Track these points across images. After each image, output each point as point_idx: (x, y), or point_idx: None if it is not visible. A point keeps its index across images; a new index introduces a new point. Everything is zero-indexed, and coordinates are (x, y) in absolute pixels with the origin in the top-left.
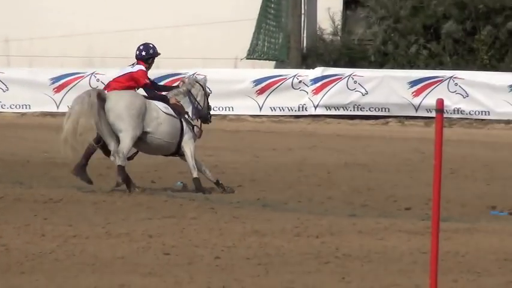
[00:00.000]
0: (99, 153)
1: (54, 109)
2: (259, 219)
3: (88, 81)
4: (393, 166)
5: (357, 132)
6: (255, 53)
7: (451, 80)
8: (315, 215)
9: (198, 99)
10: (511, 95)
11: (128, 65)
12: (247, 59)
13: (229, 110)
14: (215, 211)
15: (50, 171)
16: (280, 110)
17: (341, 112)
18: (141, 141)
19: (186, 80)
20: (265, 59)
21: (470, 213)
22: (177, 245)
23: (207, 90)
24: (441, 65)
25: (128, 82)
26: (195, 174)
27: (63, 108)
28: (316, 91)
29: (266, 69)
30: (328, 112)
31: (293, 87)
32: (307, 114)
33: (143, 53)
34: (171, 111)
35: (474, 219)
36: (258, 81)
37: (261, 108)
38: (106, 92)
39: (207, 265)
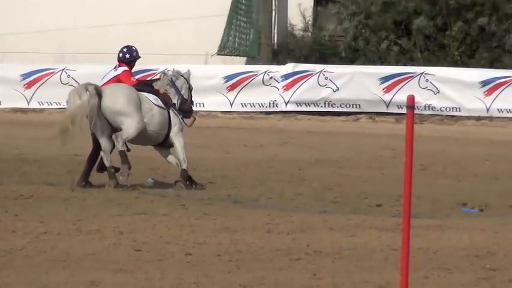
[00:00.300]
0: (69, 151)
1: (24, 105)
2: (230, 215)
3: (59, 77)
4: (364, 163)
5: (327, 129)
6: (225, 49)
7: (422, 76)
8: (285, 212)
9: (182, 92)
10: (481, 91)
11: (110, 70)
12: (218, 55)
13: (200, 106)
14: (186, 208)
15: (21, 168)
16: (251, 106)
17: (312, 108)
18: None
19: (170, 72)
20: (236, 55)
21: (441, 210)
22: (148, 242)
23: (191, 84)
24: (412, 61)
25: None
26: (184, 166)
27: (34, 105)
28: (287, 87)
29: (237, 65)
30: (299, 108)
31: (264, 84)
32: (278, 110)
33: (127, 56)
34: (160, 103)
35: (445, 216)
36: (228, 78)
37: (231, 105)
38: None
39: (178, 261)
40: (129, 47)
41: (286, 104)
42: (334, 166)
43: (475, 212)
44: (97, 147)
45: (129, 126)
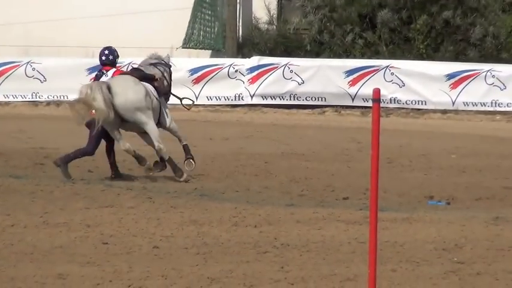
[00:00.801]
0: (35, 143)
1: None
2: (197, 208)
3: (24, 70)
4: (330, 156)
5: (293, 122)
6: (190, 42)
7: (388, 70)
8: (252, 205)
9: (164, 75)
10: (447, 85)
11: (98, 75)
12: (182, 48)
13: None
14: (153, 201)
15: None
16: (217, 100)
17: (277, 101)
18: (130, 122)
19: (153, 56)
20: (201, 48)
21: (408, 203)
22: (115, 235)
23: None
24: (377, 55)
25: None
26: (186, 142)
27: None
28: (253, 80)
29: (202, 58)
30: (265, 101)
31: (229, 77)
32: (243, 103)
33: (110, 57)
34: (156, 94)
35: (412, 209)
36: (194, 71)
37: (197, 98)
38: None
39: (146, 254)
40: (109, 48)
41: (251, 97)
42: (300, 159)
43: (442, 205)
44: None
45: (150, 127)
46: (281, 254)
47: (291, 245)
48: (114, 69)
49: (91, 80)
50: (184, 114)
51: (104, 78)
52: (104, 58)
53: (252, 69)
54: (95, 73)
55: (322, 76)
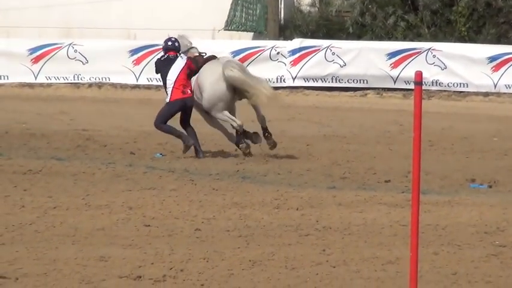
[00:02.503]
0: (76, 126)
1: (32, 80)
2: (239, 191)
3: (66, 52)
4: (372, 138)
5: (335, 104)
6: (232, 25)
7: (429, 52)
8: (294, 188)
9: None
10: (489, 67)
11: (176, 61)
12: (224, 30)
13: None
14: (194, 183)
15: (29, 142)
16: None
17: (319, 84)
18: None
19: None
20: (243, 31)
21: (449, 186)
22: (157, 217)
23: None
24: (419, 37)
25: (186, 74)
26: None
27: (41, 79)
28: (294, 63)
29: (244, 40)
30: (307, 84)
31: (271, 59)
32: (285, 85)
33: (176, 44)
34: None
35: (454, 192)
36: (236, 53)
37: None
38: None
39: (188, 237)
40: (175, 38)
41: (293, 79)
42: (342, 142)
43: (483, 188)
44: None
45: None
46: (323, 236)
47: (333, 228)
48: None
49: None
50: None
51: (179, 62)
52: (170, 44)
53: (293, 52)
54: (164, 56)
55: (364, 58)
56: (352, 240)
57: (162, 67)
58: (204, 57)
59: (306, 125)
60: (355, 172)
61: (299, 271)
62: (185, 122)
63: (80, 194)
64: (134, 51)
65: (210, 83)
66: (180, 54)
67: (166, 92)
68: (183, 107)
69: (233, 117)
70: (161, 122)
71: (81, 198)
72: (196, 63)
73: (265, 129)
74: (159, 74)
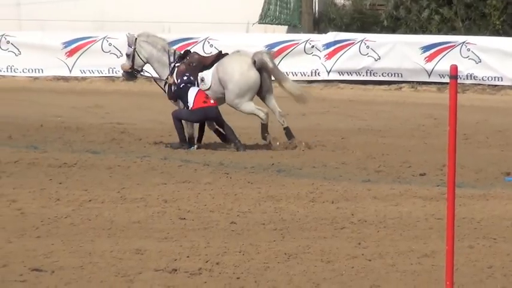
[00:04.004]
0: (111, 119)
1: (66, 73)
2: (274, 184)
3: (100, 46)
4: (407, 132)
5: (370, 98)
6: (266, 18)
7: (464, 46)
8: (329, 181)
9: None
10: None
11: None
12: (259, 23)
13: None
14: (230, 176)
15: (64, 136)
16: (293, 75)
17: (354, 77)
18: None
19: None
20: (277, 24)
21: (484, 179)
22: (193, 210)
23: None
24: (453, 30)
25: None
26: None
27: (76, 73)
28: (329, 56)
29: (278, 34)
30: (341, 77)
31: (305, 52)
32: (320, 79)
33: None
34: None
35: (489, 185)
36: (270, 46)
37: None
38: None
39: (223, 230)
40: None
41: (328, 72)
42: (376, 135)
43: None
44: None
45: None
46: (358, 230)
47: (368, 221)
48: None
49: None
50: None
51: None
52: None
53: (328, 45)
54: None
55: (399, 52)
56: (387, 234)
57: (182, 94)
58: (211, 54)
59: (341, 119)
60: (390, 165)
61: (334, 264)
62: (220, 126)
63: (115, 187)
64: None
65: (240, 73)
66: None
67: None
68: (203, 117)
69: (259, 108)
70: (177, 118)
71: (116, 191)
72: (205, 59)
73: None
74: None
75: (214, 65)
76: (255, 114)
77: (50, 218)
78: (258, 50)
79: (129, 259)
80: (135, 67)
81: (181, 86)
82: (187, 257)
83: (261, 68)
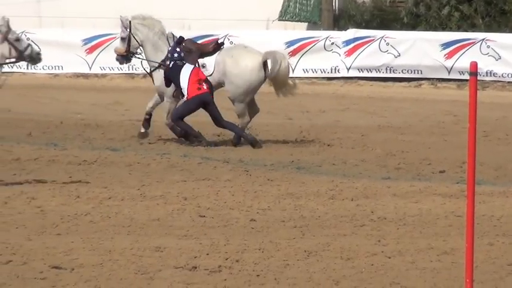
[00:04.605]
0: (130, 116)
1: (86, 70)
2: (294, 182)
3: None
4: (426, 129)
5: (389, 95)
6: (286, 15)
7: (484, 43)
8: (349, 178)
9: None
10: None
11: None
12: (279, 20)
13: None
14: (249, 174)
15: (84, 133)
16: (313, 72)
17: (374, 74)
18: None
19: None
20: (297, 21)
21: (504, 176)
22: (212, 208)
23: None
24: (473, 27)
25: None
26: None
27: (96, 70)
28: (349, 53)
29: (298, 30)
30: (361, 74)
31: (325, 49)
32: (339, 76)
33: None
34: None
35: (508, 182)
36: (290, 43)
37: (293, 70)
38: None
39: (243, 227)
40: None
41: (347, 69)
42: (396, 132)
43: None
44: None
45: None
46: (378, 227)
47: (388, 219)
48: None
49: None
50: None
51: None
52: (176, 55)
53: (348, 42)
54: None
55: (418, 49)
56: (407, 231)
57: (173, 76)
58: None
59: (361, 116)
60: (409, 163)
61: (354, 262)
62: (217, 120)
63: (135, 185)
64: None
65: (251, 69)
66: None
67: (183, 94)
68: (200, 104)
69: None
70: (178, 118)
71: (136, 188)
72: (205, 46)
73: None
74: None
75: (220, 54)
76: (243, 117)
77: (70, 215)
78: (276, 52)
79: (148, 256)
80: (131, 50)
81: (171, 65)
82: (207, 254)
83: (272, 69)
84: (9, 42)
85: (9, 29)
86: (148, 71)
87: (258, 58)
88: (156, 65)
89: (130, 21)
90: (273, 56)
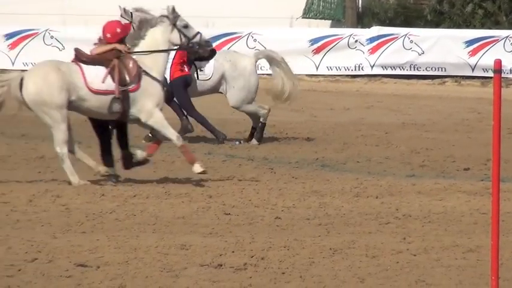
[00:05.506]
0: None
1: None
2: (318, 179)
3: None
4: (451, 126)
5: (413, 92)
6: (310, 13)
7: (507, 40)
8: (373, 176)
9: None
10: None
11: None
12: (302, 18)
13: None
14: (274, 171)
15: None
16: (337, 70)
17: (397, 72)
18: None
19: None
20: (321, 19)
21: None
22: (237, 205)
23: None
24: (497, 25)
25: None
26: None
27: None
28: (372, 51)
29: (322, 28)
30: (385, 72)
31: (349, 47)
32: (363, 73)
33: None
34: None
35: None
36: (314, 41)
37: (317, 68)
38: None
39: (268, 225)
40: None
41: (371, 67)
42: (420, 129)
43: None
44: None
45: None
46: (403, 224)
47: (413, 216)
48: None
49: None
50: (305, 84)
51: None
52: None
53: (371, 40)
54: None
55: (442, 46)
56: (432, 229)
57: None
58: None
59: (385, 113)
60: (434, 160)
61: (380, 259)
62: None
63: (159, 183)
64: (212, 40)
65: (250, 71)
66: None
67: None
68: (186, 85)
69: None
70: (192, 109)
71: (161, 186)
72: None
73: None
74: None
75: (216, 59)
76: (257, 112)
77: (95, 213)
78: (261, 50)
79: (174, 254)
80: None
81: None
82: (233, 252)
83: (271, 63)
84: (178, 29)
85: (177, 16)
86: None
87: (252, 59)
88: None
89: (131, 12)
90: (265, 54)
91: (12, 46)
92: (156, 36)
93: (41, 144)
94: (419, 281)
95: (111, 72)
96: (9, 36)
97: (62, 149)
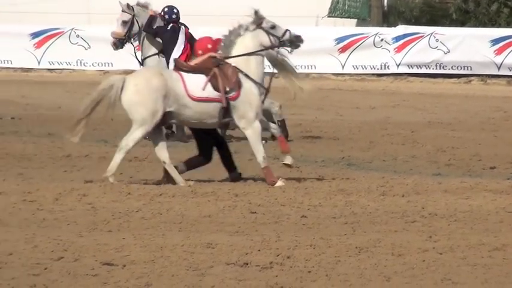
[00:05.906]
0: None
1: (136, 67)
2: (345, 178)
3: None
4: (476, 125)
5: (439, 91)
6: (336, 11)
7: None
8: (400, 174)
9: None
10: None
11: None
12: (328, 17)
13: (311, 68)
14: (300, 170)
15: None
16: (363, 69)
17: (423, 70)
18: None
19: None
20: (347, 17)
21: None
22: (263, 204)
23: None
24: None
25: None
26: None
27: None
28: (398, 49)
29: (347, 27)
30: (411, 70)
31: (375, 46)
32: (389, 72)
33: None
34: None
35: None
36: (340, 40)
37: (343, 67)
38: None
39: (294, 224)
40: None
41: (397, 66)
42: (446, 128)
43: None
44: None
45: None
46: (429, 223)
47: (439, 215)
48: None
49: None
50: (331, 82)
51: (181, 36)
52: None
53: (397, 38)
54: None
55: (468, 45)
56: (458, 227)
57: (168, 42)
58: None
59: (411, 112)
60: (460, 159)
61: (406, 258)
62: None
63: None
64: None
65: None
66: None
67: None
68: None
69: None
70: None
71: (186, 185)
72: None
73: None
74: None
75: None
76: (268, 109)
77: (121, 212)
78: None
79: (200, 253)
80: (129, 35)
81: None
82: (259, 250)
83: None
84: (265, 31)
85: (261, 18)
86: (140, 59)
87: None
88: (151, 52)
89: (132, 7)
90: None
91: (38, 45)
92: (246, 43)
93: (67, 143)
94: (445, 280)
95: (211, 80)
96: (35, 35)
97: (128, 144)
